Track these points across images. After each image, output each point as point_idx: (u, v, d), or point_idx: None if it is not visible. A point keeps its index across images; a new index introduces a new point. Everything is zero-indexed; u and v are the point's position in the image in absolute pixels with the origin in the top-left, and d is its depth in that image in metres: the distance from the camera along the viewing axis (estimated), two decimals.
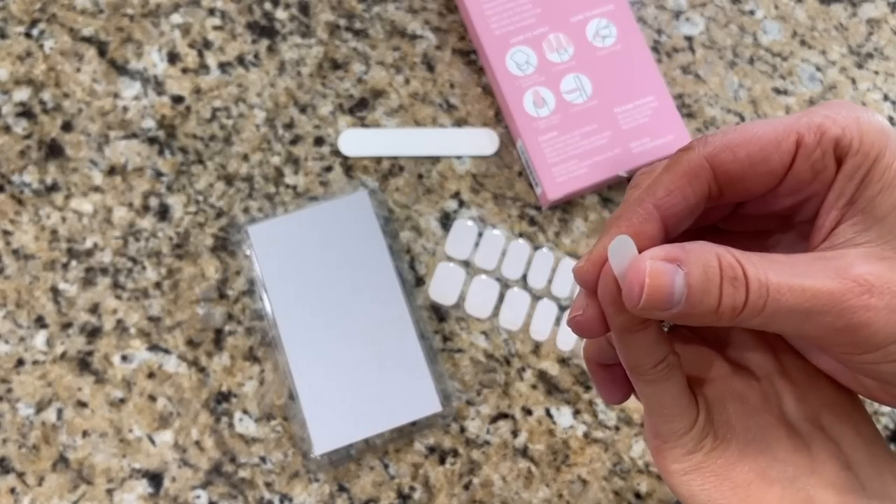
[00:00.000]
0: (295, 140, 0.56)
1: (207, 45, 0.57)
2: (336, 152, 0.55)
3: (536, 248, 0.54)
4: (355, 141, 0.56)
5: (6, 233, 0.53)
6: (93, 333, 0.52)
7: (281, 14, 0.58)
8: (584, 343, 0.35)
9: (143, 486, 0.50)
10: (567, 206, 0.56)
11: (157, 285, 0.53)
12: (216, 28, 0.57)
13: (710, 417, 0.31)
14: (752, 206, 0.31)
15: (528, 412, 0.52)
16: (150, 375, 0.51)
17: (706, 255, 0.26)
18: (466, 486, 0.51)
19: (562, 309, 0.54)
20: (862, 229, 0.28)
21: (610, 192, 0.56)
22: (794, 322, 0.27)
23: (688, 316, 0.26)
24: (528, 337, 0.53)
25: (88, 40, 0.56)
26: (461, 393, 0.52)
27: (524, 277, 0.54)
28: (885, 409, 0.54)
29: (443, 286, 0.53)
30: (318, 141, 0.56)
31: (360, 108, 0.56)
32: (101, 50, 0.56)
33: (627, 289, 0.26)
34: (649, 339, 0.29)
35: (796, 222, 0.32)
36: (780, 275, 0.26)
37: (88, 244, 0.53)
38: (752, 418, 0.31)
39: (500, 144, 0.56)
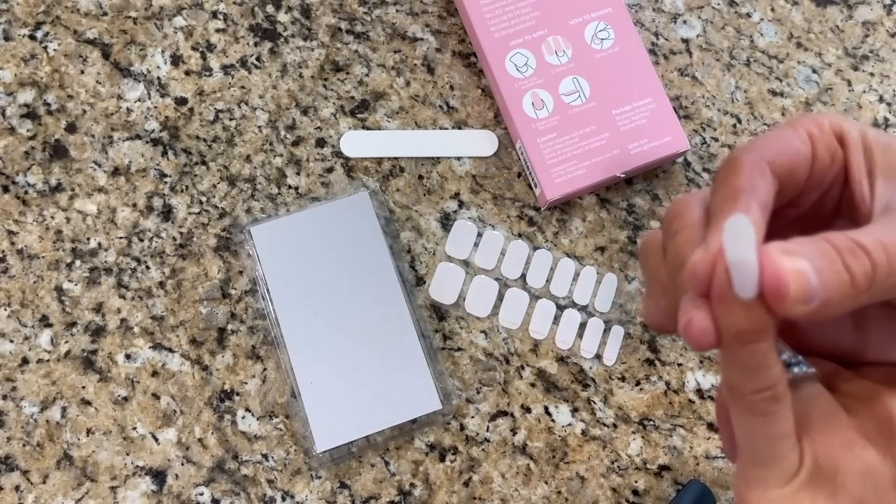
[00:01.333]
0: (297, 141, 0.56)
1: (210, 47, 0.57)
2: (337, 153, 0.56)
3: (535, 248, 0.55)
4: (357, 142, 0.56)
5: (11, 233, 0.54)
6: (97, 332, 0.52)
7: (283, 17, 0.58)
8: (718, 390, 0.31)
9: (146, 484, 0.50)
10: (566, 206, 0.56)
11: (161, 285, 0.53)
12: (219, 31, 0.58)
13: (815, 481, 0.26)
14: (780, 214, 0.30)
15: (526, 410, 0.53)
16: (154, 374, 0.52)
17: (813, 242, 0.24)
18: (466, 483, 0.51)
19: (560, 308, 0.54)
20: (894, 188, 0.27)
21: (608, 192, 0.56)
22: None
23: (828, 302, 0.24)
24: (527, 336, 0.54)
25: (92, 42, 0.57)
26: (461, 391, 0.53)
27: (523, 277, 0.54)
28: None
29: (443, 286, 0.54)
30: (320, 142, 0.56)
31: (361, 110, 0.57)
32: (105, 52, 0.57)
33: (773, 285, 0.23)
34: (757, 357, 0.25)
35: (813, 229, 0.30)
36: (878, 230, 0.25)
37: (93, 244, 0.54)
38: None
39: (499, 146, 0.57)
